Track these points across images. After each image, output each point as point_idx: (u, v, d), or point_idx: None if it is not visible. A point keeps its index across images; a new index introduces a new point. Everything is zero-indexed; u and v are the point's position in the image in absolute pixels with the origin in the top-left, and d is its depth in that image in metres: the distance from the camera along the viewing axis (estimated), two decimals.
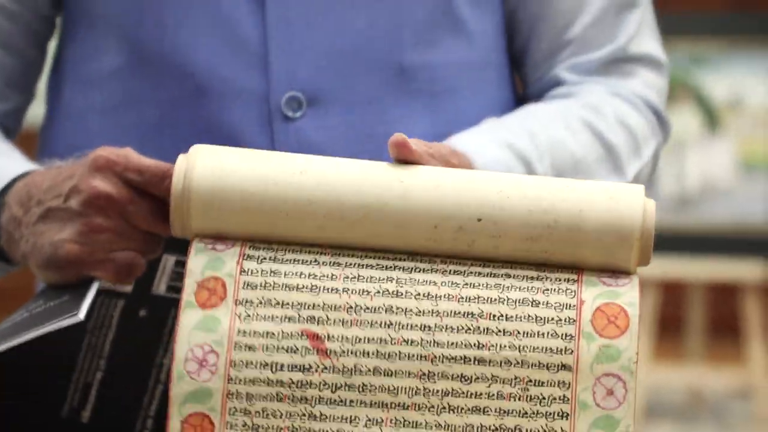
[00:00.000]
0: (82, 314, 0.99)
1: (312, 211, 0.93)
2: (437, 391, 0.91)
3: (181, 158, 0.96)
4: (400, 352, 0.91)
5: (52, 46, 1.33)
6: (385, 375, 0.92)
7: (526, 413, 0.90)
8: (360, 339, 0.91)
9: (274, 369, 0.92)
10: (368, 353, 0.91)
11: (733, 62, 3.80)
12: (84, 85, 1.24)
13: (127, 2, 1.20)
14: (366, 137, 1.17)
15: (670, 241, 3.59)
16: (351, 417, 0.93)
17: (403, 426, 0.92)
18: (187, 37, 1.18)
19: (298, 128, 1.17)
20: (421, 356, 0.91)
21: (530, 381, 0.90)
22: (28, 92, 1.30)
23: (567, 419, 0.89)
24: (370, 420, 0.92)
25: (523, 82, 1.29)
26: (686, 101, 3.76)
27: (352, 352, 0.91)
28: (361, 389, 0.92)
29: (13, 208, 1.09)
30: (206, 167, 0.95)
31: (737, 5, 4.76)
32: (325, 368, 0.91)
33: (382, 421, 0.91)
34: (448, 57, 1.21)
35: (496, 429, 0.90)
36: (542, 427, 0.89)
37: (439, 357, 0.91)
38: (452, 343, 0.91)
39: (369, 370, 0.91)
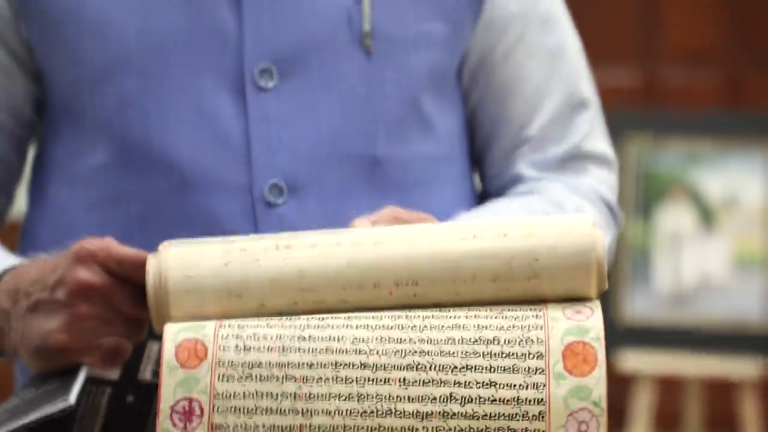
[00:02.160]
0: (72, 398, 1.01)
1: (285, 287, 0.97)
2: None
3: (151, 258, 1.00)
4: (377, 408, 0.93)
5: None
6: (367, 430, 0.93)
7: None
8: (340, 396, 0.93)
9: (255, 430, 0.93)
10: (349, 411, 0.93)
11: (728, 161, 3.84)
12: (69, 183, 1.26)
13: (112, 102, 1.23)
14: (342, 224, 1.21)
15: (666, 336, 3.60)
16: None
17: None
18: (172, 133, 1.21)
19: (280, 214, 1.21)
20: (400, 412, 0.93)
21: (503, 416, 0.91)
22: (9, 196, 1.33)
23: None
24: None
25: (482, 178, 1.34)
26: (682, 198, 3.79)
27: (330, 412, 0.93)
28: None
29: (2, 301, 1.11)
30: (177, 264, 0.98)
31: (732, 104, 4.82)
32: (310, 427, 0.93)
33: None
34: (417, 151, 1.26)
35: None
36: None
37: (422, 413, 0.92)
38: (425, 397, 0.93)
39: (350, 428, 0.93)
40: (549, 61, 1.32)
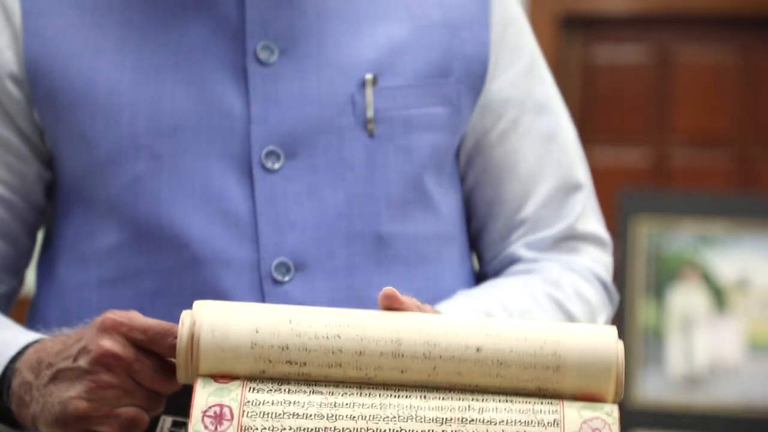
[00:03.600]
0: None
1: (318, 355, 0.98)
2: None
3: (186, 313, 1.01)
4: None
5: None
6: None
7: None
8: None
9: None
10: None
11: (740, 243, 3.83)
12: (80, 262, 1.28)
13: (123, 183, 1.24)
14: (348, 301, 1.24)
15: (678, 419, 3.57)
16: None
17: None
18: (182, 212, 1.23)
19: (287, 291, 1.23)
20: None
21: None
22: (20, 277, 1.34)
23: None
24: None
25: (479, 259, 1.37)
26: (694, 280, 3.78)
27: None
28: None
29: (25, 374, 1.12)
30: (212, 317, 1.00)
31: (742, 186, 4.83)
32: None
33: None
34: (419, 229, 1.28)
35: None
36: None
37: None
38: None
39: None
40: (543, 144, 1.35)
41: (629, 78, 4.99)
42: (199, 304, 1.02)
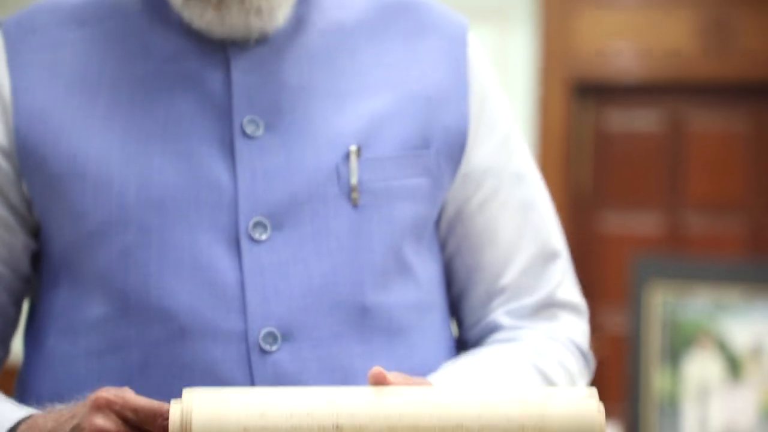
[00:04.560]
0: None
1: None
2: None
3: (175, 404, 1.02)
4: None
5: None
6: None
7: None
8: None
9: None
10: None
11: (755, 310, 3.82)
12: (68, 334, 1.28)
13: (112, 255, 1.26)
14: (334, 369, 1.25)
15: None
16: None
17: None
18: (170, 284, 1.24)
19: (274, 361, 1.24)
20: None
21: None
22: (7, 347, 1.35)
23: None
24: None
25: (459, 326, 1.39)
26: (709, 347, 3.77)
27: None
28: None
29: None
30: (200, 411, 1.00)
31: (756, 252, 4.82)
32: None
33: None
34: (400, 299, 1.31)
35: None
36: None
37: None
38: None
39: None
40: (521, 213, 1.38)
41: (642, 144, 5.01)
42: (188, 393, 1.04)
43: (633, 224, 4.98)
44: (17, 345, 1.36)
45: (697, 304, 3.77)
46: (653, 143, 5.01)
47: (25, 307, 1.37)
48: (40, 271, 1.33)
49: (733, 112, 4.94)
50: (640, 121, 5.03)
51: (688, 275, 3.79)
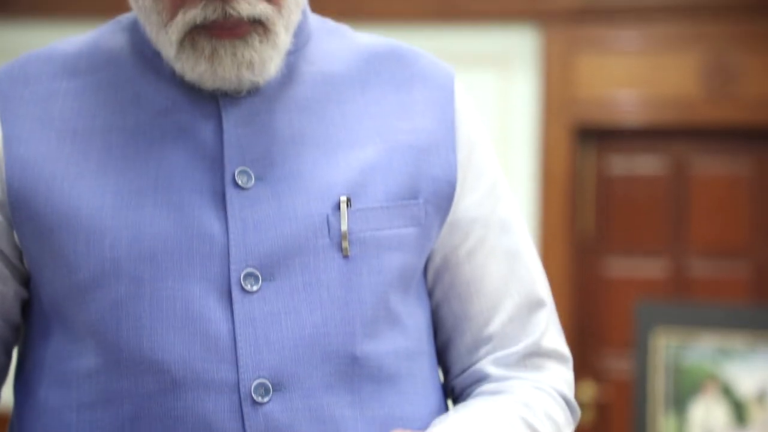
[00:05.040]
0: None
1: None
2: None
3: None
4: None
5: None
6: None
7: None
8: None
9: None
10: None
11: (760, 356, 3.81)
12: (59, 384, 1.28)
13: (103, 307, 1.26)
14: (324, 420, 1.25)
15: None
16: None
17: None
18: (162, 335, 1.25)
19: (266, 412, 1.24)
20: None
21: None
22: None
23: None
24: None
25: (445, 372, 1.40)
26: (714, 393, 3.75)
27: None
28: None
29: None
30: None
31: (760, 297, 4.81)
32: None
33: None
34: (389, 347, 1.31)
35: None
36: None
37: None
38: None
39: None
40: (508, 262, 1.40)
41: (645, 189, 5.01)
42: None
43: (637, 268, 4.97)
44: (7, 393, 1.35)
45: (702, 349, 3.75)
46: (656, 188, 5.01)
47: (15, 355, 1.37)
48: (30, 319, 1.33)
49: (736, 156, 4.94)
50: (643, 165, 5.04)
51: (692, 321, 3.78)
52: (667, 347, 3.73)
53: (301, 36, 1.37)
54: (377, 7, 4.93)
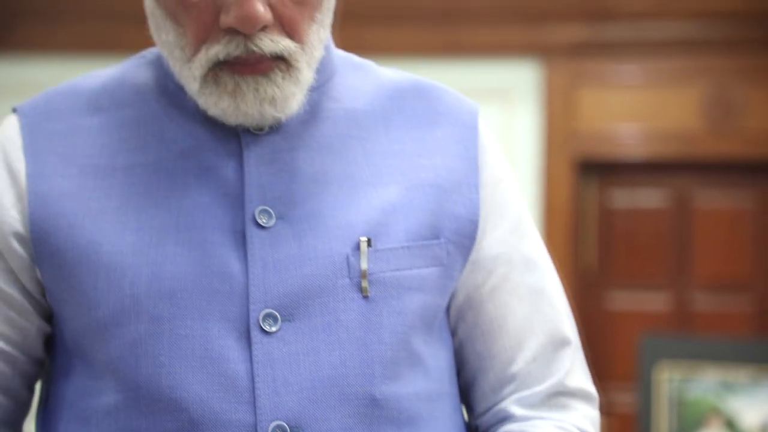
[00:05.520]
0: None
1: None
2: None
3: None
4: None
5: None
6: None
7: None
8: None
9: None
10: None
11: (763, 389, 3.80)
12: (80, 422, 1.28)
13: (123, 345, 1.26)
14: None
15: None
16: None
17: None
18: (180, 375, 1.24)
19: None
20: None
21: None
22: (18, 431, 1.34)
23: None
24: None
25: (469, 411, 1.38)
26: (717, 426, 3.74)
27: None
28: None
29: None
30: None
31: (765, 332, 4.80)
32: None
33: None
34: (410, 389, 1.29)
35: None
36: None
37: None
38: None
39: None
40: (532, 300, 1.38)
41: (647, 222, 5.01)
42: None
43: (640, 302, 4.97)
44: (29, 428, 1.35)
45: (705, 382, 3.75)
46: (659, 221, 5.01)
47: (38, 389, 1.37)
48: (53, 355, 1.33)
49: (739, 190, 4.95)
50: (646, 199, 5.04)
51: (696, 354, 3.77)
52: (670, 381, 3.73)
53: (324, 72, 1.36)
54: (381, 42, 4.95)
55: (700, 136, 4.87)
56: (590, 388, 1.40)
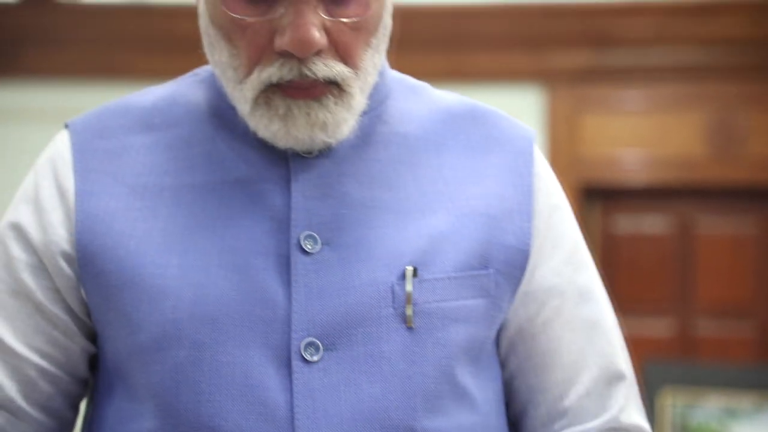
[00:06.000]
0: None
1: None
2: None
3: None
4: None
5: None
6: None
7: None
8: None
9: None
10: None
11: (766, 416, 3.79)
12: None
13: (164, 370, 1.25)
14: None
15: None
16: None
17: None
18: (219, 402, 1.23)
19: None
20: None
21: None
22: None
23: None
24: None
25: None
26: None
27: None
28: None
29: None
30: None
31: (766, 357, 4.79)
32: None
33: None
34: (454, 422, 1.27)
35: None
36: None
37: None
38: None
39: None
40: (586, 332, 1.35)
41: (650, 248, 5.01)
42: None
43: (643, 328, 4.96)
44: None
45: (708, 409, 3.74)
46: (662, 247, 5.01)
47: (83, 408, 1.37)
48: (96, 375, 1.32)
49: (741, 216, 4.95)
50: (649, 225, 5.04)
51: (699, 380, 3.76)
52: (673, 407, 3.72)
53: (377, 95, 1.33)
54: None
55: (702, 162, 4.87)
56: (645, 424, 1.36)
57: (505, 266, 1.30)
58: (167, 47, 4.69)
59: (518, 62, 4.97)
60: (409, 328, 1.25)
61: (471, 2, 5.01)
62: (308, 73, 1.22)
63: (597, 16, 4.91)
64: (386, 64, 1.38)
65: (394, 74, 1.40)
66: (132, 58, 4.89)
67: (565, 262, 1.35)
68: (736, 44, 4.82)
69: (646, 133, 4.92)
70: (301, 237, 1.26)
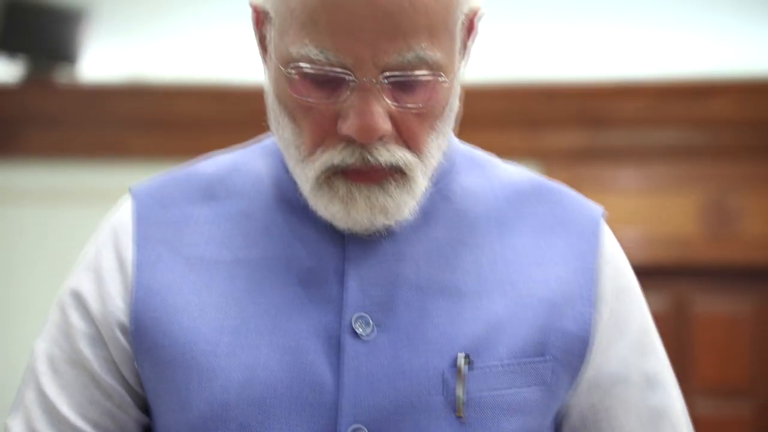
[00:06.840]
0: None
1: None
2: None
3: None
4: None
5: None
6: None
7: None
8: None
9: None
10: None
11: None
12: None
13: None
14: None
15: None
16: None
17: None
18: None
19: None
20: None
21: None
22: None
23: None
24: None
25: None
26: None
27: None
28: None
29: None
30: None
31: None
32: None
33: None
34: None
35: None
36: None
37: None
38: None
39: None
40: (653, 422, 1.31)
41: None
42: None
43: None
44: None
45: None
46: (658, 326, 4.98)
47: None
48: None
49: (737, 295, 4.95)
50: None
51: None
52: None
53: (441, 171, 1.31)
54: None
55: (698, 241, 4.88)
56: None
57: (564, 354, 1.26)
58: (166, 126, 4.72)
59: (515, 140, 5.00)
60: (459, 418, 1.21)
61: (471, 83, 5.05)
62: (370, 159, 1.20)
63: (592, 97, 4.95)
64: (453, 137, 1.35)
65: (461, 147, 1.38)
66: (131, 137, 4.91)
67: (630, 348, 1.30)
68: (729, 125, 4.86)
69: (641, 212, 4.94)
70: (353, 318, 1.23)
